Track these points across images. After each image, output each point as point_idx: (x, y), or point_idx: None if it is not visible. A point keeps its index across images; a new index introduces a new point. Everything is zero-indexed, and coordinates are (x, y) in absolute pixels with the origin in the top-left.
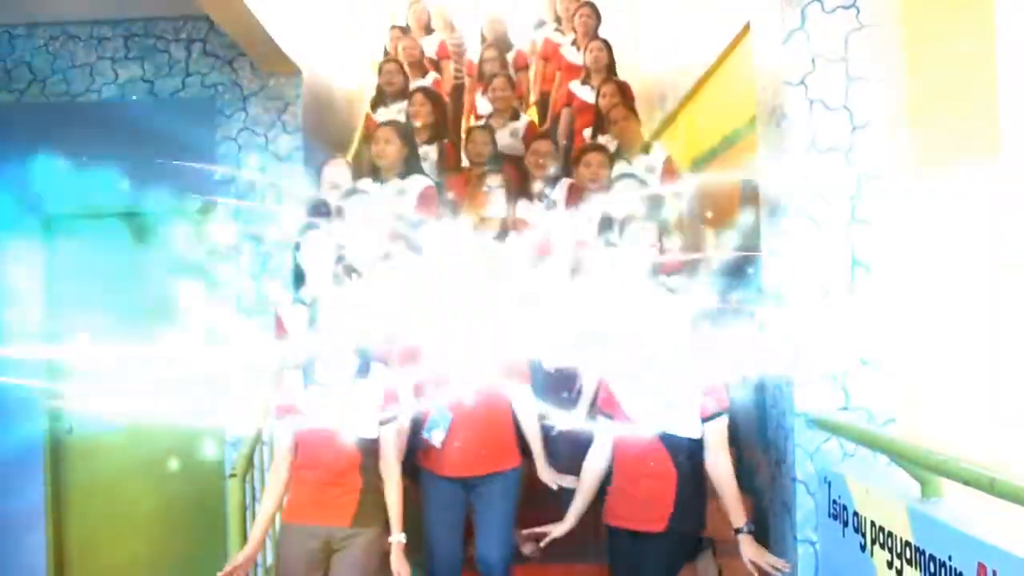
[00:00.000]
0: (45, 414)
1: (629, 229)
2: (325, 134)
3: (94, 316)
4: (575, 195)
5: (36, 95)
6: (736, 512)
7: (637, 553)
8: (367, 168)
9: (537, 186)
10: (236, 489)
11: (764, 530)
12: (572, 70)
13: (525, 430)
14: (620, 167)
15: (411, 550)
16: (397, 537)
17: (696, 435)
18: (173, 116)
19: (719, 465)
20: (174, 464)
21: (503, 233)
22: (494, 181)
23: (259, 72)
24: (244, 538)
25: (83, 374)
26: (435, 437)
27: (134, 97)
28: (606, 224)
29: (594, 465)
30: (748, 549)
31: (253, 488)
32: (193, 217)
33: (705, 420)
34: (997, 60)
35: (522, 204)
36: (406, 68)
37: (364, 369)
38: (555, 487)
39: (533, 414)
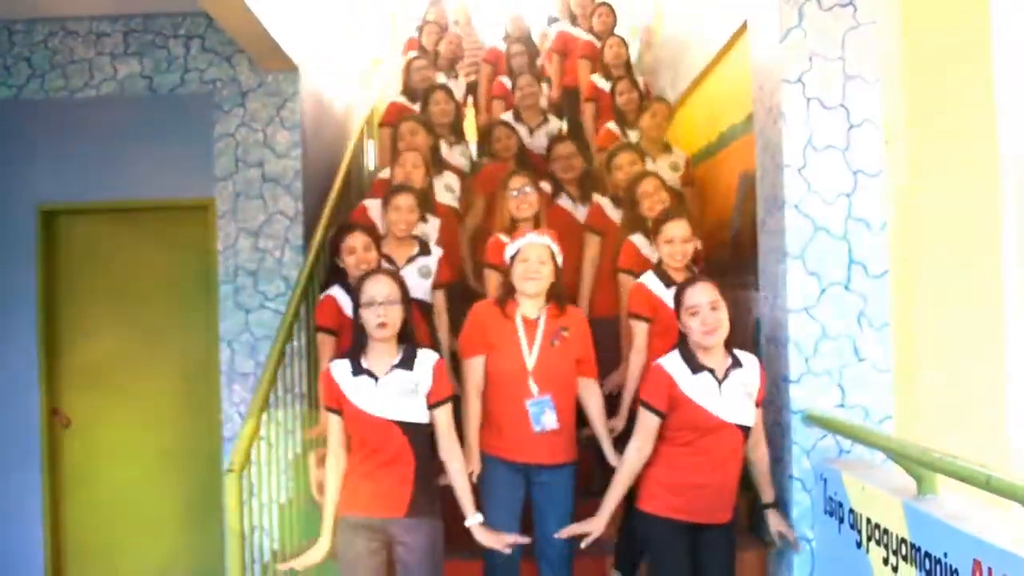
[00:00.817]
0: (43, 408)
1: (667, 227)
2: (323, 130)
3: (93, 311)
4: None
5: (35, 91)
6: (769, 489)
7: (702, 545)
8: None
9: (569, 189)
10: (233, 484)
11: (761, 526)
12: (592, 56)
13: (592, 418)
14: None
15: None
16: (476, 518)
17: (752, 423)
18: (172, 112)
19: (761, 446)
20: (172, 458)
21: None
22: (519, 183)
23: (257, 69)
24: (241, 532)
25: (81, 368)
26: (548, 422)
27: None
28: (637, 221)
29: (640, 460)
30: (777, 521)
31: (251, 483)
32: (192, 212)
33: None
34: (993, 58)
35: (563, 199)
36: (436, 63)
37: (410, 355)
38: None
39: (600, 403)
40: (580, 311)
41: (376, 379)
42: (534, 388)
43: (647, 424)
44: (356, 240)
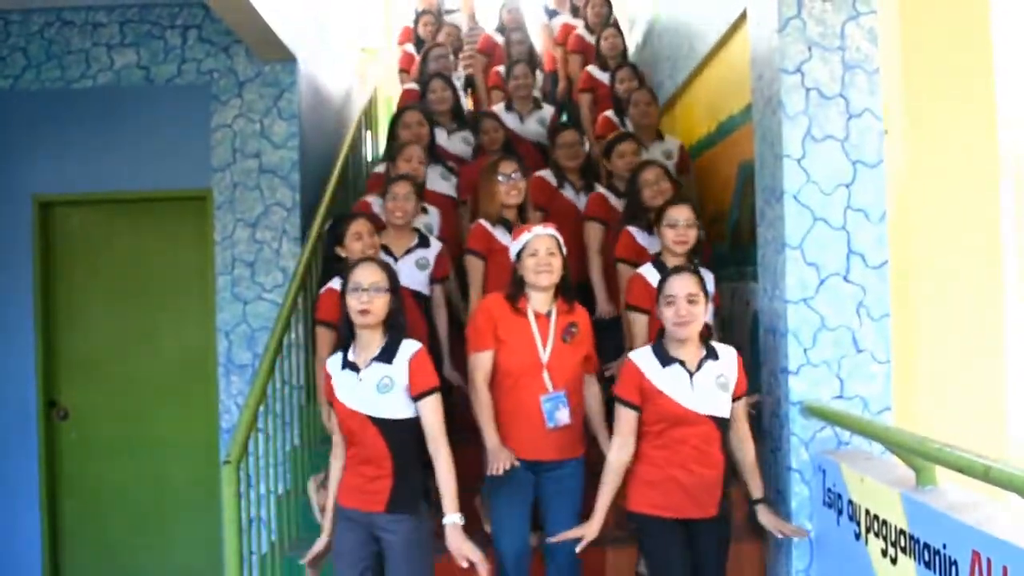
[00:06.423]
0: (39, 400)
1: (671, 210)
2: (321, 121)
3: (90, 302)
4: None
5: (31, 82)
6: (758, 484)
7: (694, 541)
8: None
9: (571, 178)
10: (231, 475)
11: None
12: (586, 51)
13: (593, 414)
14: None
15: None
16: (452, 519)
17: (727, 415)
18: (168, 103)
19: (747, 440)
20: (169, 450)
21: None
22: (510, 168)
23: (255, 59)
24: (239, 523)
25: (78, 360)
26: (561, 418)
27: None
28: (638, 209)
29: (621, 458)
30: (767, 517)
31: (248, 475)
32: (189, 203)
33: (735, 399)
34: (993, 48)
35: (567, 189)
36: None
37: (391, 348)
38: None
39: (600, 399)
40: (584, 308)
41: (358, 371)
42: (549, 383)
43: (624, 419)
44: (362, 226)
